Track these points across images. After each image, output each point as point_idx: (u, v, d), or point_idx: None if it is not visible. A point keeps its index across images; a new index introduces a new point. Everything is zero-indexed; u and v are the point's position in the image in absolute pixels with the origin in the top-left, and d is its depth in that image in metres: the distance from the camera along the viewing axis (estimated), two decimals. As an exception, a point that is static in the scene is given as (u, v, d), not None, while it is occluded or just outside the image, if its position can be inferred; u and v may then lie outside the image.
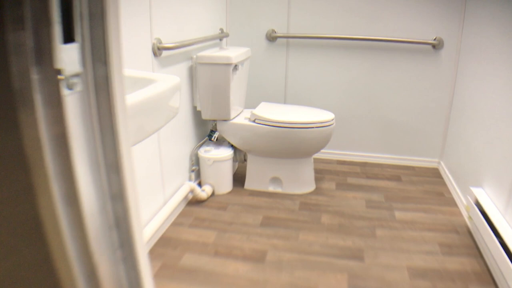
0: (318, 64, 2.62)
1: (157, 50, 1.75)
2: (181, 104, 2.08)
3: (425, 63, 2.51)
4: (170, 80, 0.93)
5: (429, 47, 2.47)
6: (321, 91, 2.68)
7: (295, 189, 2.31)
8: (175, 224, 2.02)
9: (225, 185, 2.32)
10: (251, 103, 2.78)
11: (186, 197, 2.15)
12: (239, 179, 2.45)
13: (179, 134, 2.08)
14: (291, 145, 2.17)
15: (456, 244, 1.85)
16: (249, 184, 2.37)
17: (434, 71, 2.51)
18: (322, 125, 2.13)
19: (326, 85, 2.65)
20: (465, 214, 2.06)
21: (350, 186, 2.43)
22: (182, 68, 2.04)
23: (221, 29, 2.54)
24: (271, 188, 2.34)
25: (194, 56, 2.09)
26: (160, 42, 1.77)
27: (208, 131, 2.40)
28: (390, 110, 2.64)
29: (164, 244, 1.86)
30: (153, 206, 1.87)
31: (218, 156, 2.22)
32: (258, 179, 2.35)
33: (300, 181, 2.31)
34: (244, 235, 1.93)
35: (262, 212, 2.13)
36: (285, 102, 2.76)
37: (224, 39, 2.64)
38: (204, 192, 2.21)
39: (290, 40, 2.60)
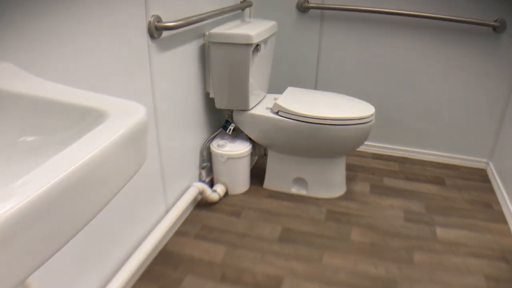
0: (358, 42, 2.20)
1: (155, 31, 1.40)
2: (191, 90, 1.75)
3: (483, 48, 2.05)
4: (127, 118, 0.59)
5: (489, 29, 2.01)
6: (359, 75, 2.27)
7: (322, 193, 1.98)
8: (180, 233, 1.74)
9: (241, 184, 2.01)
10: (276, 87, 2.41)
11: (194, 199, 1.86)
12: (258, 175, 2.13)
13: (187, 126, 1.75)
14: (320, 143, 1.82)
15: (505, 278, 1.51)
16: (268, 183, 2.06)
17: (493, 57, 2.05)
18: (359, 122, 1.76)
19: (365, 68, 2.24)
20: (527, 239, 1.69)
21: (386, 189, 2.07)
22: (191, 48, 1.69)
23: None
24: (294, 190, 2.02)
25: (207, 33, 1.72)
26: (159, 20, 1.41)
27: (223, 121, 2.07)
28: (437, 100, 2.22)
29: (164, 261, 1.59)
30: (152, 217, 1.58)
31: (233, 152, 1.89)
32: (279, 179, 2.02)
33: (328, 183, 1.97)
34: (258, 253, 1.63)
35: (281, 222, 1.82)
36: (316, 88, 2.37)
37: (247, 10, 2.24)
38: (215, 193, 1.91)
39: (326, 12, 2.18)
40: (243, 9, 2.13)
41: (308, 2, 2.16)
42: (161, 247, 1.66)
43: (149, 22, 1.38)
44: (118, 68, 1.26)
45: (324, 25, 2.20)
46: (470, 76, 2.12)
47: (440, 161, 2.35)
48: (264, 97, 2.08)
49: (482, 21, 1.97)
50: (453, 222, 1.83)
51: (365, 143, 2.44)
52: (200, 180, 1.95)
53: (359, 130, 1.78)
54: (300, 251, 1.64)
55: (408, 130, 2.33)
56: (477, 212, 1.91)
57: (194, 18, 1.56)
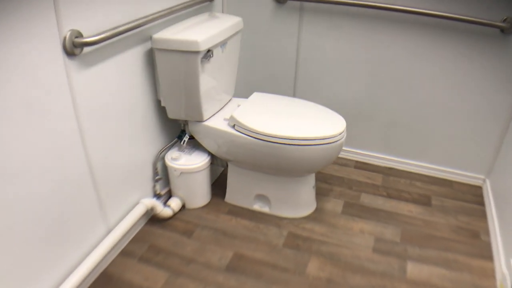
0: (342, 40, 1.93)
1: (73, 48, 1.21)
2: (138, 99, 1.58)
3: (487, 52, 1.76)
4: None
5: (496, 30, 1.70)
6: (342, 76, 2.02)
7: (286, 211, 1.80)
8: (125, 253, 1.62)
9: (199, 198, 1.86)
10: (249, 87, 2.19)
11: (147, 213, 1.72)
12: (222, 186, 1.96)
13: (133, 138, 1.60)
14: (281, 163, 1.62)
15: None
16: (230, 198, 1.89)
17: (499, 62, 1.76)
18: (325, 142, 1.55)
19: (350, 68, 1.99)
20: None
21: (361, 209, 1.87)
22: (135, 54, 1.50)
23: (210, -13, 1.89)
24: (257, 206, 1.85)
25: (152, 37, 1.52)
26: (78, 36, 1.22)
27: (179, 130, 1.89)
28: (431, 106, 1.95)
29: (103, 285, 1.48)
30: (89, 239, 1.46)
31: (188, 166, 1.73)
32: (241, 194, 1.86)
33: (293, 202, 1.79)
34: (201, 284, 1.50)
35: (235, 246, 1.67)
36: (295, 89, 2.14)
37: (218, 1, 2.00)
38: (168, 209, 1.77)
39: (305, 4, 1.91)
40: (211, 0, 1.89)
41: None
42: (102, 269, 1.55)
43: (64, 38, 1.19)
44: (26, 96, 1.10)
45: (304, 17, 1.94)
46: (471, 82, 1.84)
47: (431, 174, 2.10)
48: (229, 101, 1.88)
49: (487, 21, 1.67)
50: (430, 255, 1.63)
51: (349, 149, 2.21)
52: (155, 193, 1.81)
53: (324, 151, 1.57)
54: (246, 285, 1.49)
55: (397, 138, 2.08)
56: (460, 243, 1.69)
57: (130, 25, 1.37)
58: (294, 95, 2.14)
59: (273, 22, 1.99)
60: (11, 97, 1.07)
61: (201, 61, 1.51)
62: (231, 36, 1.70)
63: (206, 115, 1.69)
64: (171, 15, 1.59)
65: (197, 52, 1.47)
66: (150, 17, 1.47)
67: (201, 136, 1.75)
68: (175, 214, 1.81)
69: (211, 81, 1.64)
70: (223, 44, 1.64)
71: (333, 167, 2.15)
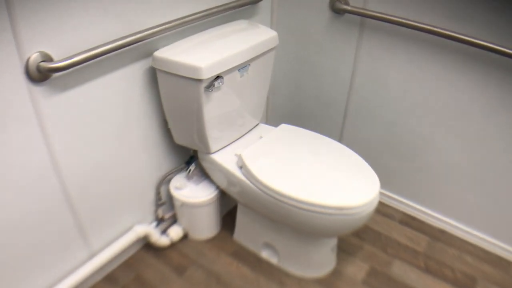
0: (406, 66, 1.52)
1: (37, 74, 1.04)
2: (140, 118, 1.39)
3: None
4: None
5: None
6: (402, 109, 1.61)
7: (296, 268, 1.53)
8: (108, 279, 1.51)
9: (204, 231, 1.66)
10: (287, 107, 1.88)
11: (141, 239, 1.58)
12: (235, 218, 1.73)
13: (129, 160, 1.43)
14: (291, 224, 1.35)
15: None
16: (239, 236, 1.66)
17: None
18: (343, 213, 1.23)
19: (411, 101, 1.57)
20: None
21: (387, 282, 1.52)
22: (133, 72, 1.30)
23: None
24: (265, 255, 1.60)
25: (153, 55, 1.29)
26: (45, 59, 1.04)
27: (188, 154, 1.67)
28: (505, 161, 1.48)
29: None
30: (67, 264, 1.37)
31: (191, 199, 1.52)
32: (249, 235, 1.62)
33: (306, 260, 1.51)
34: None
35: (224, 300, 1.46)
36: (345, 114, 1.78)
37: (266, 3, 1.67)
38: (166, 238, 1.60)
39: (367, 20, 1.52)
40: (255, 2, 1.59)
41: (344, 2, 1.52)
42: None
43: (27, 64, 1.02)
44: None
45: (363, 36, 1.55)
46: None
47: (488, 248, 1.65)
48: (254, 127, 1.61)
49: None
50: None
51: (398, 198, 1.82)
52: (157, 218, 1.64)
53: (343, 222, 1.25)
54: None
55: (458, 196, 1.65)
56: None
57: (121, 42, 1.15)
58: (343, 123, 1.79)
59: (328, 35, 1.63)
60: None
61: (205, 90, 1.25)
62: (259, 56, 1.40)
63: (214, 147, 1.45)
64: (186, 25, 1.34)
65: (199, 81, 1.22)
66: (151, 31, 1.23)
67: (208, 168, 1.52)
68: (173, 244, 1.63)
69: (224, 108, 1.38)
70: (243, 67, 1.35)
71: (374, 216, 1.79)
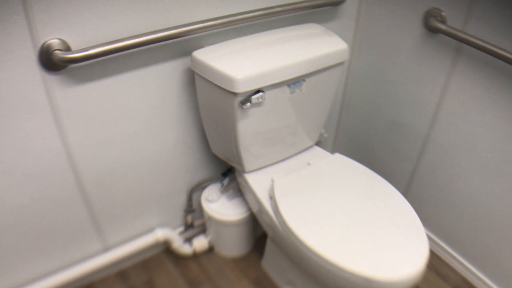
0: (506, 112, 1.16)
1: (52, 62, 0.95)
2: (179, 118, 1.25)
3: None
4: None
5: None
6: (492, 164, 1.25)
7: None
8: (120, 275, 1.45)
9: (230, 249, 1.51)
10: (353, 124, 1.60)
11: (162, 242, 1.48)
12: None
13: (157, 162, 1.31)
14: (313, 276, 1.13)
15: None
16: (266, 264, 1.48)
17: None
18: (370, 286, 0.98)
19: (505, 159, 1.21)
20: None
21: None
22: (170, 69, 1.16)
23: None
24: (288, 291, 1.40)
25: (192, 55, 1.12)
26: (64, 47, 0.94)
27: (227, 166, 1.50)
28: None
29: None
30: (78, 252, 1.32)
31: (220, 216, 1.38)
32: (276, 267, 1.42)
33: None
34: None
35: (228, 335, 1.30)
36: (420, 153, 1.45)
37: (351, 5, 1.40)
38: (189, 247, 1.48)
39: (465, 46, 1.18)
40: (337, 4, 1.33)
41: (440, 19, 1.19)
42: (89, 281, 1.40)
43: (40, 51, 0.93)
44: None
45: (457, 65, 1.22)
46: None
47: None
48: (306, 149, 1.38)
49: None
50: None
51: (460, 259, 1.46)
52: (185, 224, 1.52)
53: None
54: None
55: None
56: None
57: (153, 36, 1.01)
58: (415, 166, 1.47)
59: (415, 54, 1.31)
60: None
61: (240, 105, 1.06)
62: (319, 71, 1.16)
63: (249, 165, 1.26)
64: (239, 24, 1.15)
65: (233, 94, 1.03)
66: (191, 28, 1.07)
67: (242, 186, 1.34)
68: (197, 254, 1.51)
69: (265, 126, 1.18)
70: (295, 82, 1.13)
71: (426, 274, 1.47)
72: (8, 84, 0.93)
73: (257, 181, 1.25)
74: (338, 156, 1.29)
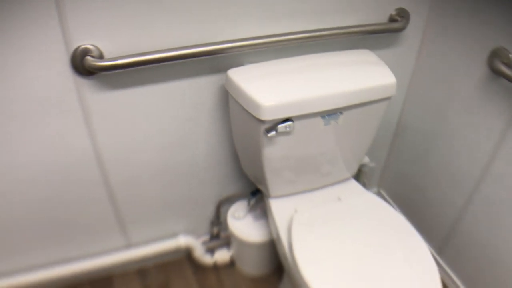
0: None
1: (83, 68, 0.97)
2: (212, 132, 1.23)
3: None
4: None
5: None
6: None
7: None
8: (138, 273, 1.47)
9: (251, 267, 1.47)
10: (397, 166, 1.46)
11: (181, 249, 1.48)
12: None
13: (197, 168, 1.31)
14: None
15: None
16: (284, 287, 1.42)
17: None
18: None
19: None
20: None
21: None
22: (203, 85, 1.13)
23: (399, 11, 1.19)
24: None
25: (227, 73, 1.09)
26: (96, 54, 0.95)
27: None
28: None
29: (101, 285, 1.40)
30: (99, 244, 1.37)
31: (241, 235, 1.35)
32: (291, 298, 1.36)
33: None
34: None
35: None
36: (462, 211, 1.29)
37: (413, 33, 1.26)
38: (210, 258, 1.47)
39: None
40: (397, 31, 1.21)
41: (506, 61, 1.03)
42: (108, 273, 1.45)
43: (73, 55, 0.95)
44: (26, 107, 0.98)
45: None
46: None
47: None
48: (339, 182, 1.29)
49: None
50: None
51: None
52: (211, 234, 1.51)
53: None
54: None
55: None
56: None
57: (186, 51, 0.99)
58: (457, 218, 1.31)
59: (475, 94, 1.15)
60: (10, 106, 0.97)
61: (265, 133, 1.01)
62: (359, 105, 1.07)
63: (275, 191, 1.21)
64: (280, 45, 1.08)
65: (259, 120, 0.98)
66: (228, 45, 1.03)
67: (267, 212, 1.29)
68: (217, 266, 1.49)
69: (294, 154, 1.12)
70: (330, 114, 1.05)
71: None
72: (42, 83, 0.96)
73: (280, 209, 1.20)
74: (372, 198, 1.19)
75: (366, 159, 1.46)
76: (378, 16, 1.16)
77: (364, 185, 1.56)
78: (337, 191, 1.25)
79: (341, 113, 1.06)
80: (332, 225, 1.10)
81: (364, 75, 1.06)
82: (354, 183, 1.28)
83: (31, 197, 1.14)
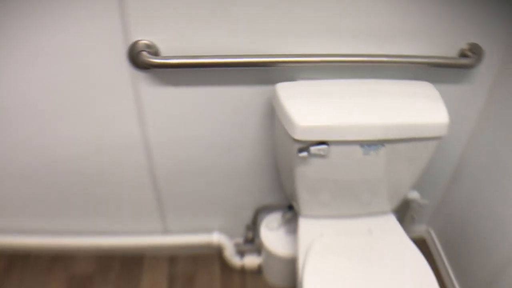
0: None
1: (139, 61, 1.04)
2: (258, 140, 1.25)
3: None
4: None
5: None
6: None
7: None
8: (170, 259, 1.54)
9: (276, 278, 1.47)
10: (445, 208, 1.34)
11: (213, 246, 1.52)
12: None
13: (239, 173, 1.34)
14: None
15: None
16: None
17: None
18: None
19: None
20: None
21: None
22: (254, 94, 1.14)
23: (472, 46, 1.09)
24: None
25: (276, 86, 1.09)
26: (152, 50, 1.01)
27: None
28: None
29: (133, 263, 1.51)
30: (138, 225, 1.47)
31: (269, 247, 1.35)
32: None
33: None
34: None
35: None
36: (507, 265, 1.15)
37: (485, 71, 1.15)
38: (238, 260, 1.50)
39: None
40: (465, 67, 1.11)
41: None
42: (141, 253, 1.55)
43: (130, 48, 1.02)
44: (86, 93, 1.09)
45: None
46: None
47: None
48: (382, 214, 1.23)
49: None
50: None
51: None
52: (245, 238, 1.53)
53: None
54: None
55: None
56: None
57: (238, 60, 1.01)
58: (503, 270, 1.18)
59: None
60: (72, 92, 1.08)
61: (297, 152, 1.00)
62: (404, 140, 1.01)
63: (305, 210, 1.20)
64: (337, 64, 1.06)
65: (293, 139, 0.98)
66: (279, 59, 1.03)
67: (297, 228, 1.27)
68: (244, 270, 1.51)
69: (328, 177, 1.09)
70: (370, 144, 1.01)
71: None
72: (100, 70, 1.04)
73: (307, 229, 1.18)
74: (404, 239, 1.12)
75: (415, 194, 1.38)
76: (447, 48, 1.08)
77: (412, 220, 1.47)
78: (370, 223, 1.20)
79: (382, 145, 1.01)
80: (352, 259, 1.06)
81: (414, 109, 1.00)
82: (391, 219, 1.22)
83: (81, 169, 1.25)
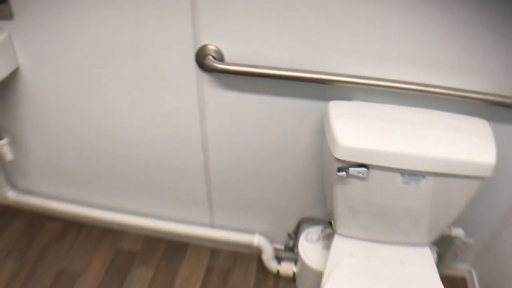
0: None
1: (203, 64, 1.14)
2: (309, 153, 1.29)
3: None
4: None
5: None
6: None
7: None
8: (211, 252, 1.63)
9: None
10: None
11: (253, 247, 1.59)
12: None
13: (288, 182, 1.40)
14: None
15: None
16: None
17: None
18: None
19: None
20: None
21: None
22: (311, 108, 1.18)
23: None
24: None
25: (329, 104, 1.13)
26: (218, 56, 1.11)
27: None
28: None
29: (176, 248, 1.63)
30: (185, 214, 1.59)
31: (304, 258, 1.38)
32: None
33: None
34: None
35: None
36: None
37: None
38: (275, 266, 1.55)
39: None
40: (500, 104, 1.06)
41: None
42: (184, 240, 1.66)
43: (198, 51, 1.13)
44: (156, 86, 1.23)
45: None
46: None
47: None
48: (418, 245, 1.21)
49: None
50: None
51: None
52: (286, 245, 1.58)
53: None
54: None
55: None
56: None
57: (296, 74, 1.06)
58: None
59: None
60: (144, 83, 1.22)
61: (336, 171, 1.03)
62: (446, 176, 1.00)
63: (341, 229, 1.22)
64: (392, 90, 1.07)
65: (334, 158, 1.01)
66: (340, 79, 1.06)
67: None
68: (279, 275, 1.55)
69: (367, 200, 1.11)
70: (411, 174, 1.01)
71: None
72: (170, 66, 1.15)
73: (339, 247, 1.20)
74: (433, 276, 1.09)
75: (460, 232, 1.33)
76: (509, 86, 1.04)
77: (455, 257, 1.42)
78: (404, 252, 1.18)
79: (423, 176, 1.00)
80: (374, 285, 1.06)
81: (461, 145, 0.98)
82: (426, 252, 1.19)
83: (143, 155, 1.39)
